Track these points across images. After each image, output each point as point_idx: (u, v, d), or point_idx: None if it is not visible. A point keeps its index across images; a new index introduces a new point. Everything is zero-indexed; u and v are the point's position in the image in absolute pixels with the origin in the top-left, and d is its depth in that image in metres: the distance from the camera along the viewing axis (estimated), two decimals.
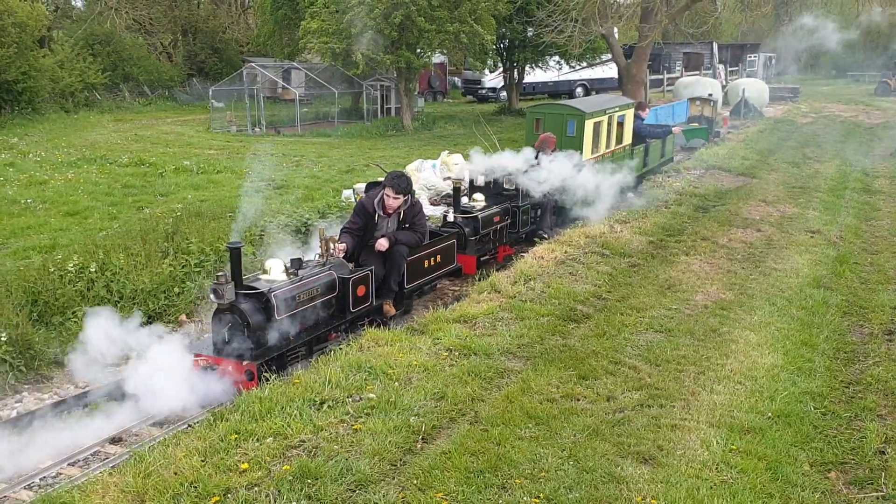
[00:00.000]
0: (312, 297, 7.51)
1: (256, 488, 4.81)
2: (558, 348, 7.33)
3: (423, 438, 5.53)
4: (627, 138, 15.52)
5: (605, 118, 14.18)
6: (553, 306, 8.44)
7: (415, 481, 4.96)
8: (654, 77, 37.68)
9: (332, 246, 8.07)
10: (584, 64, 35.86)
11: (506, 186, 11.98)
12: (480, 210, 11.13)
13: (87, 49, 32.31)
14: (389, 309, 8.58)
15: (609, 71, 37.98)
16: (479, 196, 11.51)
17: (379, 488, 4.88)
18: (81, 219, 13.68)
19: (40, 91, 27.32)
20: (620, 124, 15.10)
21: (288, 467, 5.00)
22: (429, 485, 4.91)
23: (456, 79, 46.25)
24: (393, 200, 8.49)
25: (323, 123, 29.63)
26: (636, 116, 16.03)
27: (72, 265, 9.45)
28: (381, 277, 8.48)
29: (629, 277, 9.71)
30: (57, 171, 17.59)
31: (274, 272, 7.41)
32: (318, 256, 8.05)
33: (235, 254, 7.00)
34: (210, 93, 29.71)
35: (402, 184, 8.50)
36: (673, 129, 18.01)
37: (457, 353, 7.13)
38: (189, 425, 6.37)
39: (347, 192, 15.46)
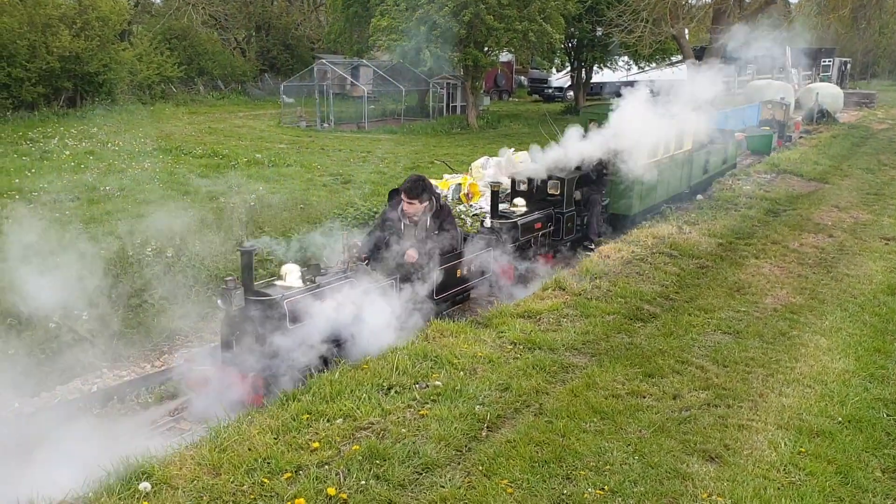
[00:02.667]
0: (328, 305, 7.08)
1: (327, 466, 4.95)
2: (624, 346, 7.33)
3: (487, 427, 5.60)
4: (688, 143, 14.81)
5: None
6: (619, 305, 8.43)
7: (480, 467, 5.04)
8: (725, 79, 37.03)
9: (354, 251, 7.76)
10: (654, 65, 35.46)
11: (551, 192, 11.10)
12: (521, 216, 10.44)
13: (165, 43, 33.27)
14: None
15: (680, 72, 37.48)
16: (519, 201, 10.83)
17: (445, 472, 4.98)
18: (157, 206, 14.15)
19: (119, 83, 28.25)
20: None
21: (357, 448, 5.13)
22: (494, 471, 4.98)
23: (522, 77, 46.19)
24: (408, 206, 8.12)
25: (389, 120, 29.95)
26: None
27: (150, 249, 9.82)
28: (416, 286, 8.01)
29: (697, 279, 9.62)
30: (134, 160, 18.19)
31: (290, 278, 7.03)
32: (340, 263, 7.70)
33: (247, 258, 6.59)
34: (281, 88, 30.29)
35: (415, 188, 8.06)
36: (736, 134, 17.16)
37: (521, 347, 7.19)
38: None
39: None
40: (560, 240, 11.25)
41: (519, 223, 10.24)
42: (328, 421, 5.56)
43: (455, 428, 5.50)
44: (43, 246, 11.30)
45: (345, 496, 4.60)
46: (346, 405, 5.75)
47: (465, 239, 9.06)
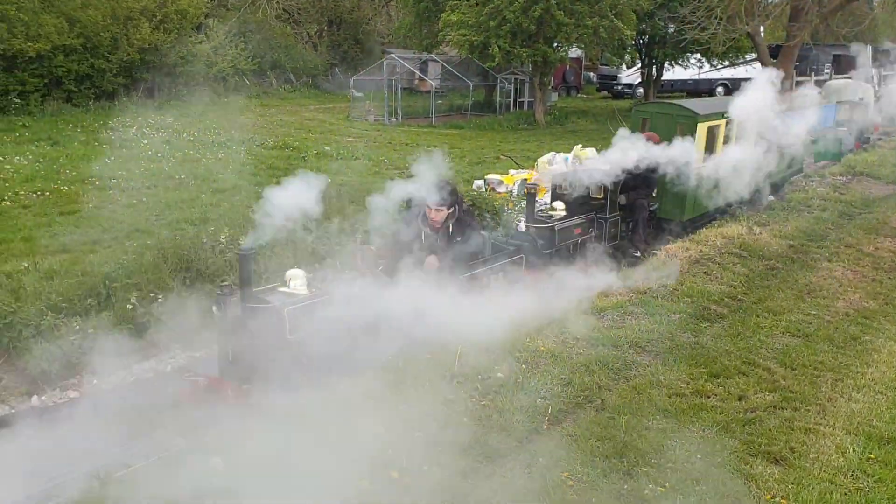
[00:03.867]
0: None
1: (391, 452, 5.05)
2: (689, 345, 7.26)
3: (549, 420, 5.64)
4: (749, 145, 13.56)
5: (721, 122, 12.51)
6: (685, 304, 8.34)
7: (540, 459, 5.08)
8: (800, 79, 36.07)
9: (371, 258, 7.39)
10: (727, 63, 34.72)
11: (594, 195, 10.58)
12: (558, 220, 9.88)
13: (239, 36, 33.98)
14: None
15: (753, 71, 36.60)
16: (559, 204, 10.25)
17: (506, 462, 5.04)
18: (229, 195, 14.53)
19: (195, 75, 29.01)
20: None
21: (418, 434, 5.23)
22: (555, 464, 5.02)
23: (591, 74, 45.75)
24: (436, 213, 7.64)
25: (456, 115, 30.04)
26: None
27: (224, 237, 10.11)
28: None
29: (766, 280, 9.45)
30: (208, 150, 18.68)
31: (294, 285, 6.65)
32: (353, 270, 7.29)
33: (245, 261, 6.15)
34: (351, 82, 30.67)
35: (444, 195, 7.56)
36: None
37: (584, 343, 7.19)
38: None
39: (479, 183, 15.70)
40: (602, 246, 10.63)
41: (556, 228, 9.70)
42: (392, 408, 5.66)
43: (516, 419, 5.56)
44: (119, 230, 11.77)
45: (408, 481, 4.69)
46: (408, 393, 5.86)
47: (493, 246, 8.60)
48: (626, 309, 8.13)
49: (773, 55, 27.59)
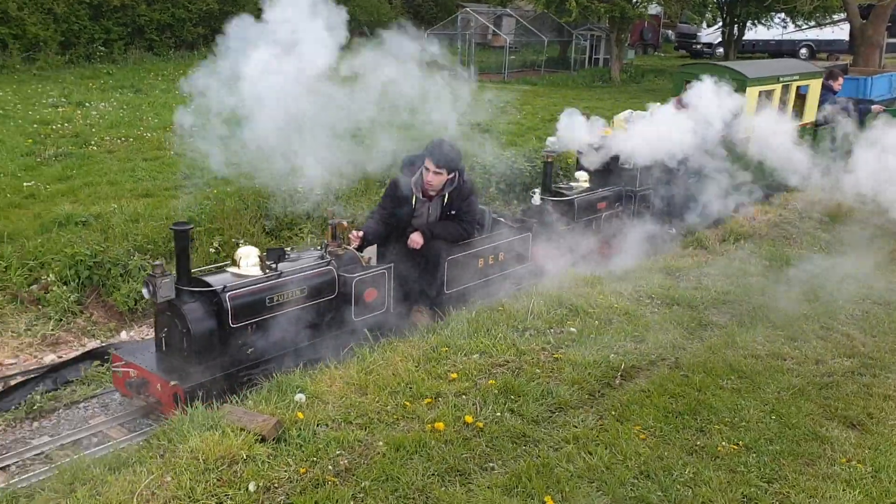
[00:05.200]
0: (292, 300, 5.94)
1: (464, 396, 5.17)
2: (766, 308, 7.16)
3: (621, 375, 5.66)
4: (810, 114, 12.53)
5: (777, 87, 11.34)
6: (763, 267, 8.21)
7: (613, 412, 5.12)
8: (891, 40, 34.40)
9: (342, 233, 6.52)
10: (812, 23, 33.33)
11: (623, 165, 9.46)
12: (580, 193, 8.94)
13: None
14: (420, 317, 6.84)
15: (840, 32, 35.07)
16: (582, 175, 9.29)
17: (578, 413, 5.09)
18: (301, 147, 14.74)
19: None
20: (802, 96, 12.21)
21: (493, 382, 5.32)
22: (627, 417, 5.06)
23: (669, 32, 44.54)
24: (434, 176, 6.64)
25: (529, 71, 29.71)
26: (825, 88, 12.82)
27: (301, 187, 10.31)
28: (414, 278, 6.81)
29: (849, 246, 9.21)
30: None
31: (245, 264, 5.91)
32: (321, 247, 6.51)
33: (181, 237, 5.44)
34: (425, 36, 30.56)
35: (445, 155, 6.59)
36: (873, 107, 13.96)
37: (659, 302, 7.16)
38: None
39: (552, 139, 15.56)
40: (632, 222, 9.66)
41: (575, 201, 8.73)
42: (465, 355, 5.77)
43: (588, 373, 5.60)
44: (200, 177, 12.08)
45: (481, 425, 4.80)
46: (482, 342, 5.95)
47: (494, 222, 7.78)
48: (703, 269, 8.04)
49: (864, 15, 26.35)
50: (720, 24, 34.89)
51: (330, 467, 4.28)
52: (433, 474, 4.30)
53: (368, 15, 36.56)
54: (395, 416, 4.86)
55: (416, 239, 6.67)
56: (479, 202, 7.23)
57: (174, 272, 5.57)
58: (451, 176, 6.72)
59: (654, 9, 34.06)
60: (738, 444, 4.81)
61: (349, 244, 6.55)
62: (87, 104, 16.57)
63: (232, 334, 5.64)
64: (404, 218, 6.85)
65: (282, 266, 5.95)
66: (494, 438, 4.70)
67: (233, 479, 4.08)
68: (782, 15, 31.71)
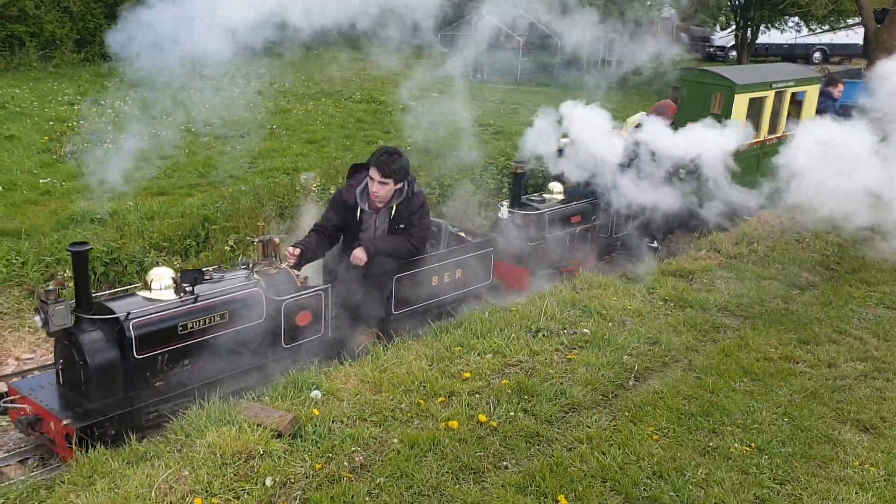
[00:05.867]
0: (211, 327, 5.33)
1: (477, 395, 5.20)
2: (779, 311, 7.16)
3: (635, 377, 5.68)
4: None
5: (768, 94, 10.67)
6: (776, 270, 8.21)
7: (626, 413, 5.14)
8: None
9: (273, 251, 5.96)
10: (826, 27, 33.23)
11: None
12: (549, 205, 8.47)
13: None
14: (365, 338, 6.25)
15: (854, 36, 34.92)
16: (556, 186, 8.87)
17: (591, 414, 5.12)
18: (319, 147, 14.85)
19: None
20: (798, 103, 11.53)
21: (506, 382, 5.36)
22: (640, 418, 5.08)
23: (683, 35, 44.42)
24: (379, 186, 6.13)
25: (542, 74, 29.71)
26: (824, 94, 12.09)
27: (315, 185, 10.38)
28: (358, 298, 6.23)
29: (861, 251, 9.18)
30: (298, 102, 19.05)
31: (157, 287, 5.28)
32: (248, 266, 5.84)
33: (80, 260, 4.87)
34: (437, 37, 30.60)
35: (391, 164, 6.08)
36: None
37: (672, 304, 7.17)
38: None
39: (566, 141, 15.57)
40: (609, 236, 9.19)
41: (546, 215, 8.23)
42: (479, 355, 5.81)
43: (602, 374, 5.62)
44: (214, 176, 12.17)
45: (494, 424, 4.84)
46: (495, 342, 5.98)
47: (451, 236, 7.27)
48: (716, 273, 8.05)
49: (879, 20, 26.24)
50: (734, 27, 34.83)
51: (345, 463, 4.32)
52: (447, 472, 4.34)
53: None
54: (409, 414, 4.90)
55: (358, 255, 6.08)
56: (430, 214, 6.65)
57: (76, 297, 4.97)
58: (398, 186, 6.22)
59: (667, 12, 34.02)
60: (750, 446, 4.83)
61: (283, 262, 5.97)
62: (102, 102, 16.69)
63: (138, 366, 5.04)
64: (351, 231, 6.37)
65: (201, 288, 5.34)
66: (508, 437, 4.73)
67: (249, 474, 4.12)
68: (796, 18, 31.63)
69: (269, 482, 4.06)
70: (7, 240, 8.52)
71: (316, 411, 4.76)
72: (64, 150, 12.79)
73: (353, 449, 4.45)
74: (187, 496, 3.90)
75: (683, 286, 7.59)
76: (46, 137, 13.53)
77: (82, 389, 4.96)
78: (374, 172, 6.11)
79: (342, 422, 4.74)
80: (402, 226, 6.32)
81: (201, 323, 5.26)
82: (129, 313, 4.96)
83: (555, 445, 4.69)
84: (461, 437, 4.66)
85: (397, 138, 15.66)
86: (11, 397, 5.27)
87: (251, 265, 5.79)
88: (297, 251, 6.01)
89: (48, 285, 5.08)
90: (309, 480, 4.15)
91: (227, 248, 8.62)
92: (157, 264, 8.25)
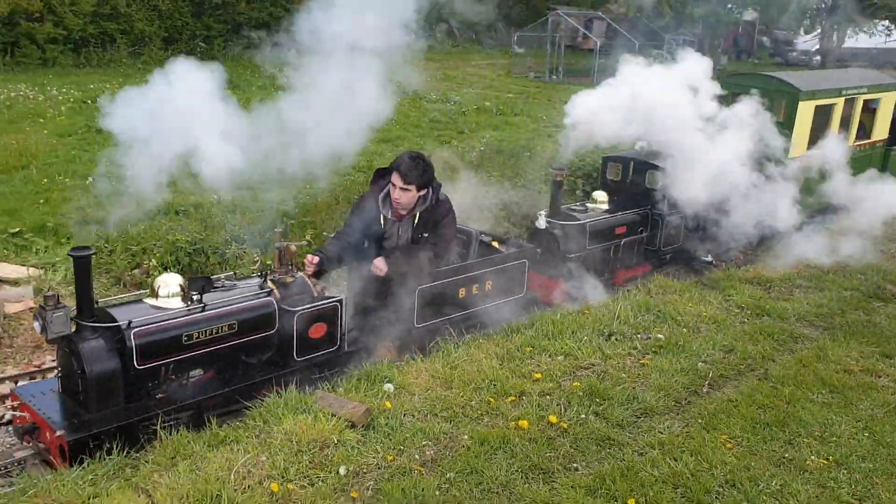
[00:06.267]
0: (218, 337, 5.07)
1: (548, 397, 5.21)
2: (860, 323, 6.96)
3: (709, 384, 5.60)
4: (881, 132, 11.17)
5: (837, 101, 10.10)
6: (858, 281, 7.97)
7: (700, 420, 5.08)
8: None
9: (289, 257, 5.64)
10: None
11: (649, 185, 8.54)
12: (592, 216, 8.09)
13: None
14: (385, 352, 5.94)
15: None
16: (601, 195, 8.46)
17: (663, 419, 5.08)
18: (393, 146, 15.01)
19: None
20: (872, 111, 10.96)
21: (578, 384, 5.35)
22: (714, 426, 5.01)
23: (764, 38, 43.33)
24: (401, 192, 5.75)
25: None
26: None
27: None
28: (379, 310, 5.91)
29: None
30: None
31: (164, 294, 5.02)
32: (261, 274, 5.59)
33: (81, 266, 4.64)
34: (514, 38, 30.59)
35: (414, 169, 5.72)
36: None
37: (749, 312, 7.04)
38: None
39: (642, 143, 15.37)
40: (657, 249, 8.64)
41: (587, 225, 7.87)
42: (550, 356, 5.82)
43: (675, 381, 5.56)
44: (293, 172, 12.43)
45: (565, 425, 4.84)
46: (567, 344, 5.98)
47: (482, 245, 6.83)
48: (794, 282, 7.87)
49: None
50: (818, 31, 33.82)
51: (416, 456, 4.39)
52: (517, 470, 4.36)
53: (461, 18, 36.83)
54: (479, 412, 4.95)
55: (378, 265, 5.76)
56: (456, 222, 6.18)
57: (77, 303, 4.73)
58: (422, 193, 5.85)
59: (749, 14, 33.26)
60: (828, 459, 4.72)
61: (301, 270, 5.69)
62: None
63: (139, 377, 4.83)
64: (374, 240, 5.98)
65: (211, 296, 5.11)
66: (578, 440, 4.73)
67: (324, 462, 4.23)
68: (886, 22, 30.53)
69: (342, 471, 4.16)
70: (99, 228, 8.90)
71: (388, 404, 4.85)
72: None
73: (423, 443, 4.52)
74: (264, 480, 4.02)
75: (761, 294, 7.44)
76: None
77: (81, 399, 4.78)
78: (396, 178, 5.74)
79: (413, 415, 4.82)
80: (425, 234, 5.93)
81: (208, 333, 4.99)
82: (130, 322, 4.73)
83: (626, 450, 4.67)
84: (531, 436, 4.68)
85: (471, 138, 15.73)
86: (13, 403, 5.16)
87: (264, 273, 5.54)
88: (316, 259, 5.69)
89: (50, 291, 4.76)
90: (381, 471, 4.24)
91: (304, 242, 8.78)
92: (237, 256, 8.55)
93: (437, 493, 4.10)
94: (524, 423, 4.79)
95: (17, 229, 8.81)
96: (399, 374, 5.34)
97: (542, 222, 7.80)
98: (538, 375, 5.48)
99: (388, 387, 5.07)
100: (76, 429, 4.60)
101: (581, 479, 4.34)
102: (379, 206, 5.91)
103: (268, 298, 5.31)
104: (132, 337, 4.71)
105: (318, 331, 5.46)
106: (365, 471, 4.23)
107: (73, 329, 4.72)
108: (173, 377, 5.02)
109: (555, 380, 5.45)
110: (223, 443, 4.39)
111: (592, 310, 6.76)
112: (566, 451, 4.61)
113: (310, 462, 4.21)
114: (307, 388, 5.13)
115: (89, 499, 3.82)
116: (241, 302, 5.20)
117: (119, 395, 4.76)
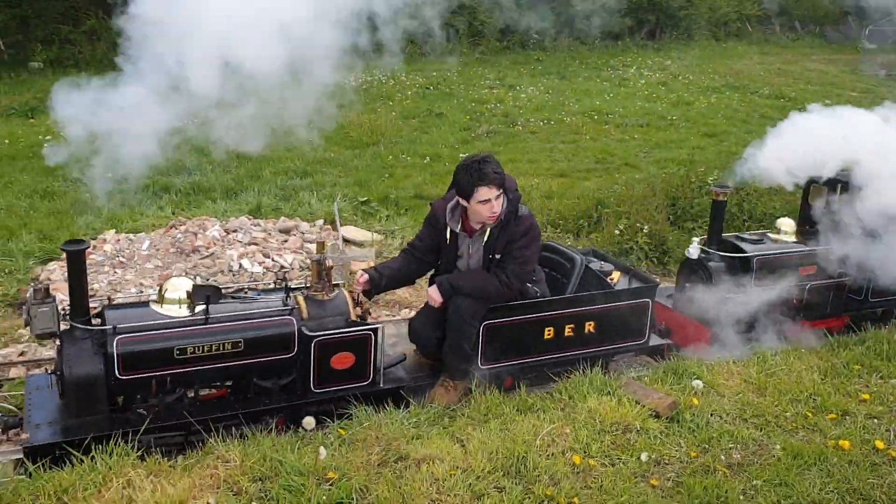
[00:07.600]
0: (220, 355, 4.47)
1: (876, 420, 4.77)
2: None
3: None
4: None
5: None
6: None
7: None
8: None
9: (327, 275, 4.84)
10: None
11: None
12: (766, 247, 6.45)
13: None
14: (442, 395, 4.94)
15: None
16: (787, 224, 6.79)
17: None
18: (717, 141, 14.47)
19: (698, 18, 28.87)
20: None
21: None
22: None
23: None
24: (487, 206, 4.70)
25: None
26: None
27: (711, 179, 10.17)
28: (436, 343, 5.06)
29: None
30: (701, 94, 18.67)
31: (171, 301, 4.51)
32: (285, 288, 4.89)
33: (75, 260, 4.27)
34: (864, 33, 27.77)
35: (492, 165, 4.67)
36: None
37: None
38: None
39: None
40: (863, 299, 6.74)
41: (754, 260, 6.26)
42: (882, 378, 5.31)
43: None
44: (611, 162, 12.50)
45: (893, 454, 4.41)
46: None
47: (587, 273, 5.54)
48: None
49: None
50: None
51: (721, 457, 4.27)
52: (832, 491, 4.06)
53: (802, 9, 34.30)
54: (794, 424, 4.68)
55: (432, 295, 4.91)
56: (538, 244, 5.04)
57: (71, 300, 4.36)
58: (500, 195, 4.78)
59: None
60: None
61: (357, 287, 4.94)
62: (517, 87, 18.03)
63: (121, 388, 4.39)
64: (444, 256, 5.07)
65: (221, 308, 4.53)
66: None
67: (626, 445, 4.29)
68: None
69: (644, 457, 4.18)
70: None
71: (695, 401, 4.77)
72: (479, 130, 14.09)
73: (730, 445, 4.39)
74: (567, 452, 4.18)
75: None
76: (468, 117, 15.01)
77: (58, 403, 4.49)
78: (484, 192, 4.64)
79: (721, 417, 4.69)
80: (497, 256, 4.87)
81: (206, 349, 4.43)
82: (115, 327, 4.27)
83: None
84: (852, 458, 4.33)
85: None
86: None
87: (288, 287, 4.87)
88: (365, 277, 4.91)
89: (38, 284, 4.45)
90: (683, 465, 4.19)
91: (617, 231, 8.84)
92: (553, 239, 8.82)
93: (742, 497, 3.96)
94: (845, 444, 4.43)
95: (366, 198, 9.92)
96: (708, 372, 5.21)
97: (693, 250, 6.39)
98: (866, 396, 5.03)
99: (697, 383, 4.97)
100: (41, 433, 4.27)
101: None
102: (449, 219, 4.94)
103: (287, 317, 4.63)
104: (115, 344, 4.25)
105: (342, 361, 4.71)
106: (666, 461, 4.21)
107: (61, 327, 4.40)
108: (161, 393, 4.47)
109: (885, 404, 4.97)
110: (531, 409, 4.62)
111: None
112: (892, 480, 4.20)
113: (612, 443, 4.29)
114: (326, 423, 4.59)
115: (413, 438, 4.25)
116: (253, 318, 4.58)
117: (102, 402, 4.34)
